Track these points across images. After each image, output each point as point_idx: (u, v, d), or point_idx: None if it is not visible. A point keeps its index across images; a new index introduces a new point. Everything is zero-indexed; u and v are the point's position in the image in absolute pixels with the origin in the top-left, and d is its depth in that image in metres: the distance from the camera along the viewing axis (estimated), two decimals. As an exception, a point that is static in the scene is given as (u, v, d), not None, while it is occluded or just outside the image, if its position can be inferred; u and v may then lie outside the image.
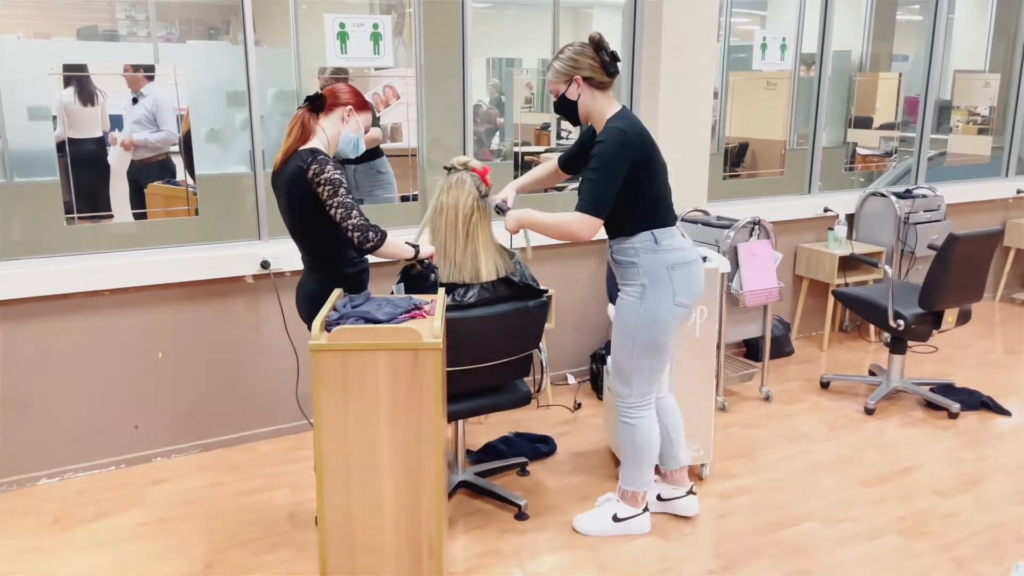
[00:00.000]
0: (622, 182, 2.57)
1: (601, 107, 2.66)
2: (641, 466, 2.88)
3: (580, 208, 2.59)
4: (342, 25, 3.51)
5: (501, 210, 2.83)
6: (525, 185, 3.04)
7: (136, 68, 3.26)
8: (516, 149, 4.26)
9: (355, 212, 2.55)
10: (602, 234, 2.77)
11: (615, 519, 2.91)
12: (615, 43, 4.40)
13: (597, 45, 2.64)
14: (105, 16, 4.20)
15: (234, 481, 3.30)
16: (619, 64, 2.66)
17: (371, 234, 2.56)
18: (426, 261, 2.84)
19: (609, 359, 3.43)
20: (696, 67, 4.25)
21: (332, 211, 2.55)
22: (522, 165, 4.24)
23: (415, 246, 2.79)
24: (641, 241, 2.66)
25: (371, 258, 2.88)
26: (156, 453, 3.49)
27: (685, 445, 3.07)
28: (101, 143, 3.25)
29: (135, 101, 3.27)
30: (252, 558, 2.79)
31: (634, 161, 2.57)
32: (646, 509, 2.95)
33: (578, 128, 2.70)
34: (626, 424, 2.84)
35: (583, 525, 2.94)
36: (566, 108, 2.70)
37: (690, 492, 3.04)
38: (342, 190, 2.54)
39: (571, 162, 2.95)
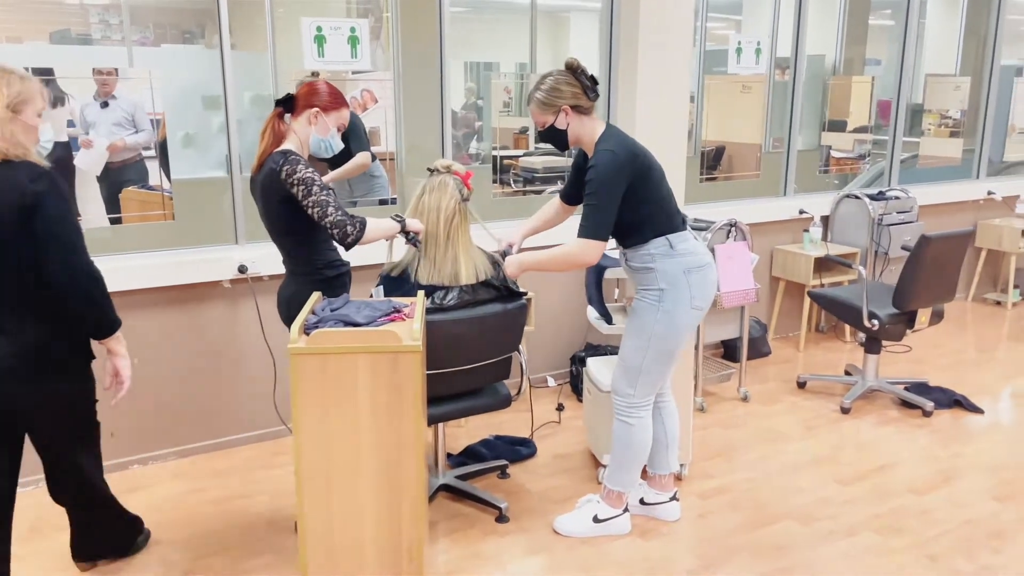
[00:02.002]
0: (623, 198, 2.60)
1: (589, 130, 2.69)
2: (632, 467, 2.89)
3: (582, 234, 2.62)
4: (319, 29, 3.50)
5: (503, 255, 2.86)
6: (534, 228, 3.05)
7: (106, 72, 3.23)
8: (495, 153, 4.26)
9: (331, 209, 2.54)
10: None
11: (595, 520, 2.92)
12: (592, 47, 4.45)
13: (575, 71, 2.66)
14: (78, 20, 4.16)
15: (212, 488, 3.27)
16: (598, 87, 2.69)
17: (350, 228, 2.55)
18: (411, 234, 2.77)
19: (589, 361, 3.45)
20: (672, 71, 4.28)
21: (309, 211, 2.54)
22: (500, 169, 4.25)
23: (400, 219, 2.73)
24: (657, 247, 2.69)
25: (352, 261, 2.87)
26: (133, 460, 3.46)
27: (676, 451, 3.07)
28: (68, 147, 3.22)
29: (105, 105, 3.24)
30: (232, 565, 2.77)
31: (630, 179, 2.60)
32: (626, 510, 2.96)
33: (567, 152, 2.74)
34: (624, 424, 2.85)
35: (563, 526, 2.95)
36: (554, 136, 2.72)
37: (673, 498, 3.06)
38: (316, 188, 2.53)
39: (572, 193, 2.96)
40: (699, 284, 2.72)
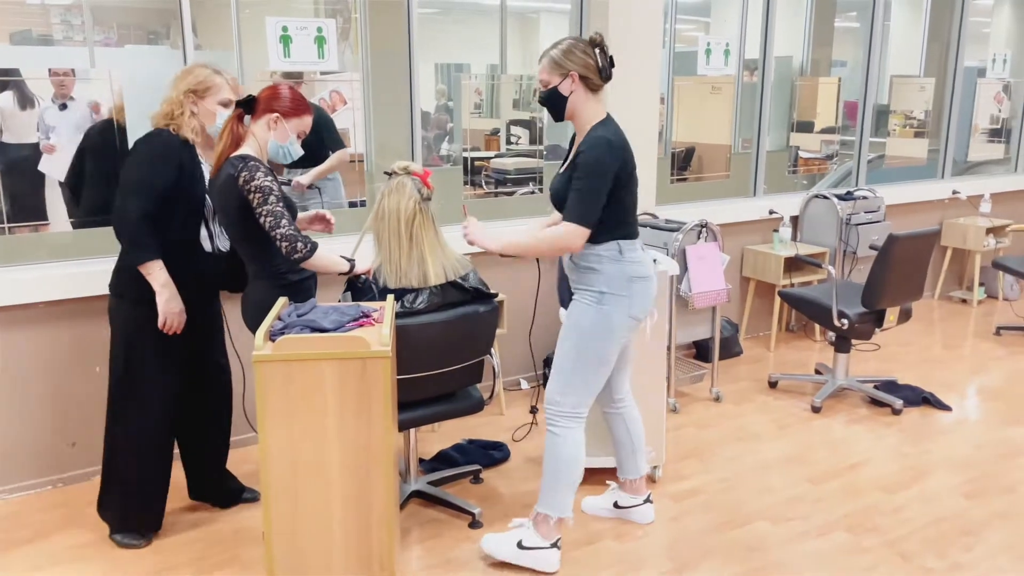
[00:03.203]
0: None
1: (591, 110, 2.60)
2: (559, 486, 2.71)
3: (569, 219, 2.53)
4: (285, 29, 3.44)
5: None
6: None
7: (63, 73, 3.15)
8: (466, 155, 4.24)
9: (284, 221, 2.50)
10: None
11: (519, 546, 2.72)
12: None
13: (596, 45, 2.57)
14: (40, 21, 4.06)
15: (177, 497, 3.20)
16: (613, 70, 2.59)
17: (299, 244, 2.51)
18: (363, 277, 2.77)
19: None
20: (643, 72, 4.29)
21: (261, 219, 2.50)
22: (471, 170, 4.22)
23: (351, 260, 2.73)
24: (607, 250, 2.61)
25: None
26: (95, 471, 3.36)
27: (645, 454, 3.05)
28: (36, 149, 3.14)
29: (63, 107, 3.17)
30: (198, 575, 2.71)
31: (618, 170, 2.53)
32: (556, 545, 2.74)
33: (552, 125, 2.65)
34: (551, 434, 2.71)
35: (490, 546, 2.77)
36: (554, 101, 2.60)
37: (647, 500, 3.04)
38: (272, 198, 2.49)
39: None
40: (640, 294, 2.65)
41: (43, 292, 3.16)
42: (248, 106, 2.62)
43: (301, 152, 2.72)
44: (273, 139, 2.63)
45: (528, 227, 2.98)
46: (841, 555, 2.84)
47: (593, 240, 2.60)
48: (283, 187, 2.68)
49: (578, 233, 2.54)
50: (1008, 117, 6.42)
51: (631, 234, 2.66)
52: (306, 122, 2.69)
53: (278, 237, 2.50)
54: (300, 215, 2.94)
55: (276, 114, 2.61)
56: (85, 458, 3.34)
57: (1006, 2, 6.80)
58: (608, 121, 2.60)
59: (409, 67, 3.86)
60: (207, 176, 2.75)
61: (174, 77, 2.76)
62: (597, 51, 2.57)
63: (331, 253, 2.67)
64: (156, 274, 2.67)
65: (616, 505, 3.04)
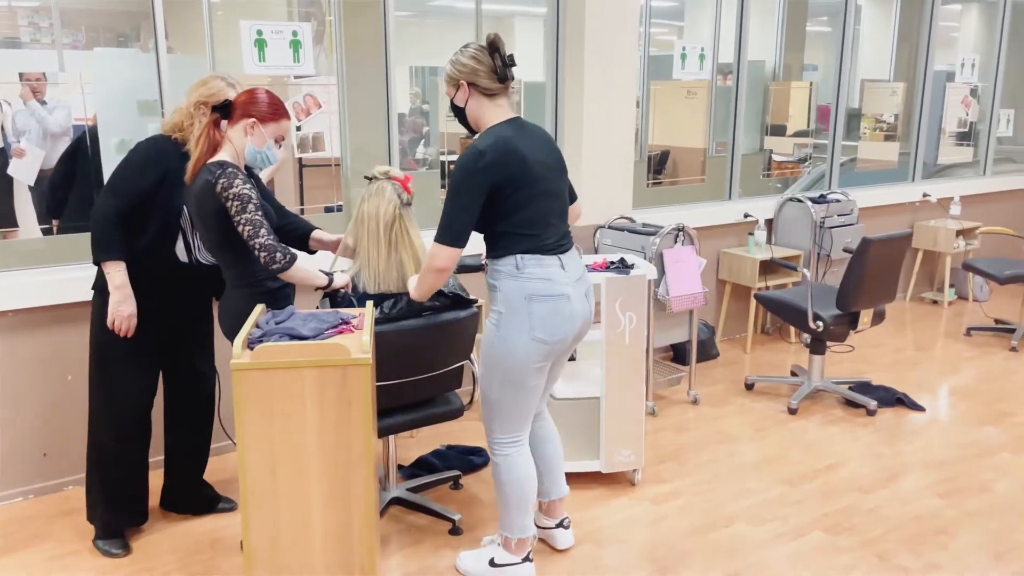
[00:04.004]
0: (483, 204, 2.38)
1: (487, 116, 2.45)
2: (509, 509, 2.62)
3: (436, 238, 2.40)
4: (259, 32, 3.41)
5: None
6: None
7: (35, 77, 3.10)
8: (442, 158, 4.22)
9: (263, 231, 2.47)
10: None
11: (492, 563, 2.68)
12: (537, 52, 4.44)
13: (491, 47, 2.42)
14: (6, 23, 3.99)
15: (152, 507, 3.15)
16: (512, 71, 2.45)
17: (278, 255, 2.49)
18: (342, 291, 2.74)
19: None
20: (618, 76, 4.31)
21: (240, 227, 2.48)
22: (448, 174, 4.21)
23: (329, 275, 2.70)
24: (504, 265, 2.45)
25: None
26: (67, 482, 3.31)
27: (562, 477, 2.86)
28: (3, 154, 3.08)
29: (33, 111, 3.11)
30: (174, 588, 2.67)
31: (493, 183, 2.36)
32: (528, 559, 2.69)
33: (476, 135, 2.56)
34: (493, 463, 2.62)
35: (464, 564, 2.75)
36: (457, 113, 2.52)
37: (560, 525, 2.88)
38: (251, 206, 2.47)
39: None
40: (542, 314, 2.42)
41: (13, 300, 3.09)
42: (224, 111, 2.59)
43: (279, 157, 2.70)
44: (250, 144, 2.60)
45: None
46: (819, 556, 2.86)
47: (495, 255, 2.48)
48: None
49: (444, 253, 2.38)
50: (976, 121, 6.53)
51: (536, 248, 2.45)
52: (283, 127, 2.65)
53: (257, 247, 2.47)
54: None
55: (253, 119, 2.58)
56: (57, 468, 3.28)
57: (974, 7, 6.92)
58: (495, 129, 2.42)
59: (386, 71, 3.85)
60: None
61: (189, 87, 2.75)
62: (494, 53, 2.42)
63: (310, 266, 2.65)
64: (113, 275, 2.66)
65: (538, 525, 2.86)
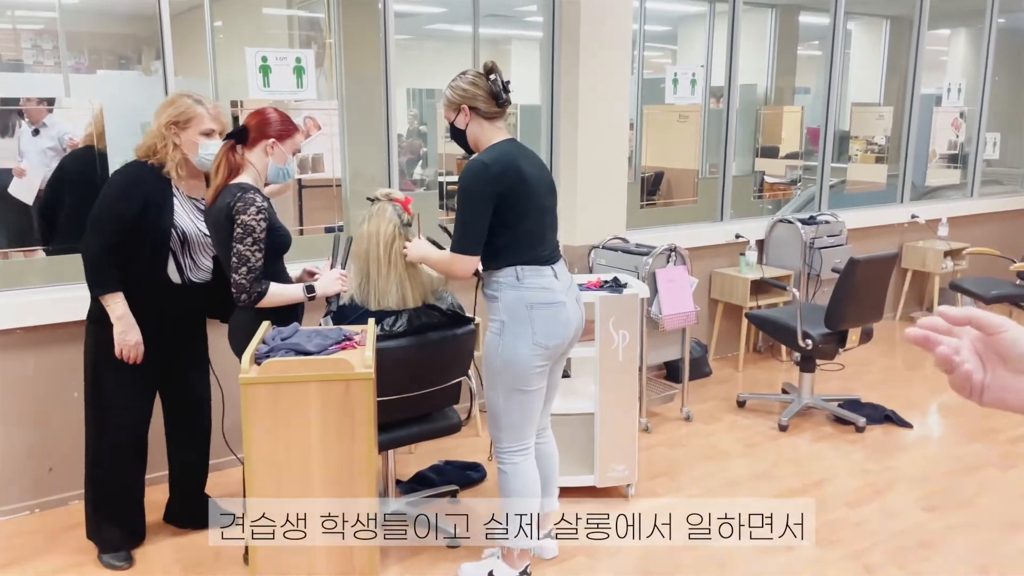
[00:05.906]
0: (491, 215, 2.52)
1: (487, 137, 2.60)
2: (514, 518, 2.68)
3: (452, 249, 2.58)
4: (264, 59, 3.52)
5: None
6: None
7: (40, 100, 3.19)
8: (440, 179, 4.32)
9: (244, 269, 2.56)
10: None
11: None
12: (533, 76, 4.56)
13: (489, 73, 2.58)
14: (10, 46, 4.08)
15: (155, 521, 3.21)
16: (509, 95, 2.60)
17: (244, 296, 2.58)
18: (333, 302, 2.83)
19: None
20: (612, 99, 4.42)
21: (231, 253, 2.56)
22: (446, 195, 4.30)
23: (311, 293, 2.75)
24: (504, 276, 2.57)
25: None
26: (73, 496, 3.36)
27: (555, 493, 2.96)
28: (8, 174, 3.16)
29: (36, 132, 3.20)
30: (178, 599, 2.73)
31: (498, 194, 2.50)
32: (527, 572, 2.78)
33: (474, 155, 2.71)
34: (500, 471, 2.70)
35: (466, 575, 2.83)
36: (456, 136, 2.66)
37: (548, 535, 2.95)
38: (248, 240, 2.56)
39: None
40: (543, 321, 2.56)
41: (20, 318, 3.17)
42: (238, 136, 2.68)
43: (296, 169, 2.80)
44: (272, 163, 2.70)
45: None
46: (808, 569, 2.93)
47: (494, 267, 2.60)
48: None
49: (459, 261, 2.56)
50: (964, 143, 6.66)
51: (533, 260, 2.59)
52: (297, 139, 2.77)
53: (232, 279, 2.57)
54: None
55: (272, 139, 2.68)
56: (62, 483, 3.33)
57: (962, 32, 7.07)
58: (498, 145, 2.58)
59: (386, 93, 3.94)
60: (182, 209, 2.79)
61: (157, 108, 2.80)
62: (491, 78, 2.57)
63: (285, 288, 2.70)
64: (113, 306, 2.72)
65: None
